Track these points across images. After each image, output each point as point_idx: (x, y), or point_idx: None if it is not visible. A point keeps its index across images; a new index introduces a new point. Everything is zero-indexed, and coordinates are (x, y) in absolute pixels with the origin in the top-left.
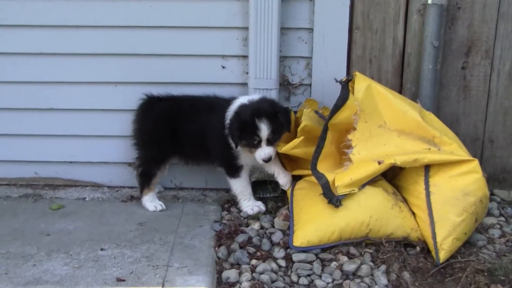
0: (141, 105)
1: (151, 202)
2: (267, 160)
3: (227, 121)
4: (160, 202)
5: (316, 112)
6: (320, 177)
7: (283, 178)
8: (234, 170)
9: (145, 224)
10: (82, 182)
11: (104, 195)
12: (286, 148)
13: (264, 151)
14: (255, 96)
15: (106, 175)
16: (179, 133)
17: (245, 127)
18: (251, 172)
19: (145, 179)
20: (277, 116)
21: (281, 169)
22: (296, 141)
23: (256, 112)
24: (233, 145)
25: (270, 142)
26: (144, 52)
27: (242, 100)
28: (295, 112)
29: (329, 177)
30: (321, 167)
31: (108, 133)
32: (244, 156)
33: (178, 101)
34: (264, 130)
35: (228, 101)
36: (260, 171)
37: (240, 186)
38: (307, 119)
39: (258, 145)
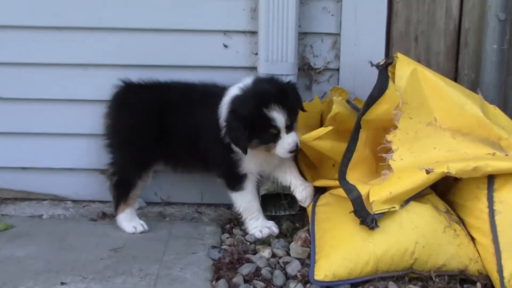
0: (116, 94)
1: (129, 221)
2: (295, 149)
3: (222, 121)
4: (141, 222)
5: (348, 101)
6: (350, 190)
7: (301, 191)
8: (236, 181)
9: (120, 250)
10: (39, 194)
11: (67, 211)
12: (308, 137)
13: (288, 140)
14: (247, 81)
15: (71, 185)
16: (166, 130)
17: (253, 123)
18: (259, 182)
19: (122, 191)
20: (286, 93)
21: (299, 179)
22: (322, 130)
23: (260, 100)
24: (236, 149)
25: (290, 127)
26: (122, 25)
27: (233, 90)
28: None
29: (362, 189)
30: (352, 176)
31: (75, 130)
32: (248, 162)
33: (164, 88)
34: (279, 117)
35: (224, 90)
36: (272, 181)
37: (245, 202)
38: (339, 106)
39: (276, 138)
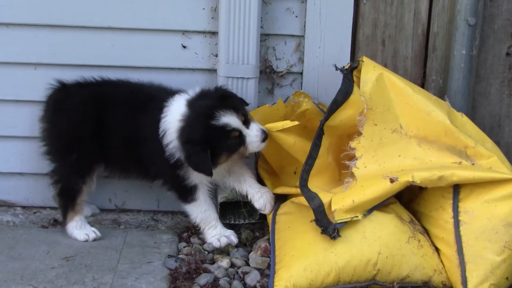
0: (52, 95)
1: (79, 229)
2: (266, 135)
3: (168, 144)
4: (93, 229)
5: (316, 104)
6: (312, 198)
7: (258, 199)
8: (186, 193)
9: (72, 258)
10: None
11: (17, 218)
12: (272, 126)
13: (253, 133)
14: (178, 101)
15: (21, 190)
16: (104, 133)
17: (211, 141)
18: (213, 190)
19: (68, 199)
20: (223, 97)
21: (255, 186)
22: (288, 123)
23: (205, 116)
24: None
25: (247, 121)
26: (74, 23)
27: (173, 110)
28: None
29: (324, 198)
30: (314, 184)
31: (25, 133)
32: (196, 174)
33: (104, 86)
34: (231, 119)
35: (170, 94)
36: (231, 189)
37: (200, 212)
38: (310, 103)
39: (242, 138)
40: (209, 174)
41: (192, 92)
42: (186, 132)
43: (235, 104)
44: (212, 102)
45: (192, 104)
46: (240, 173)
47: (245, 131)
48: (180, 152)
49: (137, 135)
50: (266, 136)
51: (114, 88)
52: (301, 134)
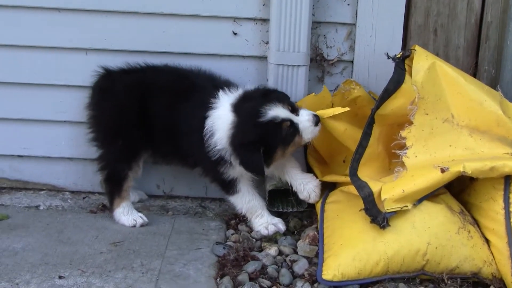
0: (97, 82)
1: (127, 214)
2: (317, 118)
3: (210, 136)
4: (140, 214)
5: (368, 93)
6: (361, 187)
7: (302, 191)
8: (227, 185)
9: (121, 244)
10: (36, 184)
11: (66, 203)
12: (323, 112)
13: (304, 118)
14: (223, 105)
15: (70, 175)
16: (150, 119)
17: (264, 139)
18: (260, 179)
19: (114, 186)
20: (268, 92)
21: (297, 177)
22: (338, 109)
23: (254, 114)
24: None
25: (295, 110)
26: (126, 9)
27: (219, 114)
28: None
29: (374, 187)
30: (364, 173)
31: (75, 118)
32: (235, 170)
33: (149, 72)
34: (278, 109)
35: (215, 87)
36: (276, 179)
37: (244, 203)
38: (361, 90)
39: (294, 128)
40: (262, 174)
41: (235, 93)
42: (237, 137)
43: (279, 96)
44: (256, 101)
45: (237, 108)
46: (283, 164)
47: (296, 119)
48: (229, 155)
49: (178, 124)
50: (318, 119)
51: (159, 74)
52: (351, 122)
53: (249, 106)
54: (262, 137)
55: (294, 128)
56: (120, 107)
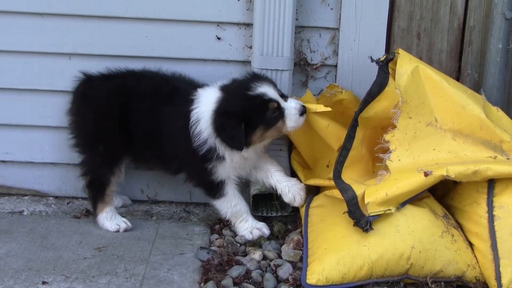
0: (78, 88)
1: (110, 219)
2: (304, 108)
3: (195, 127)
4: (124, 219)
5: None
6: (345, 189)
7: (287, 193)
8: (214, 188)
9: (105, 249)
10: (19, 189)
11: (50, 208)
12: (311, 106)
13: (291, 105)
14: (210, 90)
15: (53, 180)
16: (129, 122)
17: (248, 112)
18: (245, 183)
19: (97, 191)
20: (261, 76)
21: (282, 180)
22: (321, 107)
23: (244, 88)
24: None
25: (284, 96)
26: (109, 14)
27: (206, 99)
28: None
29: (358, 190)
30: (348, 175)
31: (58, 122)
32: (222, 169)
33: (129, 78)
34: (269, 90)
35: (196, 88)
36: (260, 184)
37: (229, 207)
38: (348, 93)
39: (280, 112)
40: (240, 148)
41: (221, 83)
42: (223, 106)
43: (270, 81)
44: (246, 79)
45: (226, 87)
46: (267, 168)
47: (284, 103)
48: (214, 140)
49: (161, 127)
50: (304, 109)
51: (139, 80)
52: (336, 119)
53: (239, 81)
54: (246, 112)
55: (279, 112)
56: (101, 112)
